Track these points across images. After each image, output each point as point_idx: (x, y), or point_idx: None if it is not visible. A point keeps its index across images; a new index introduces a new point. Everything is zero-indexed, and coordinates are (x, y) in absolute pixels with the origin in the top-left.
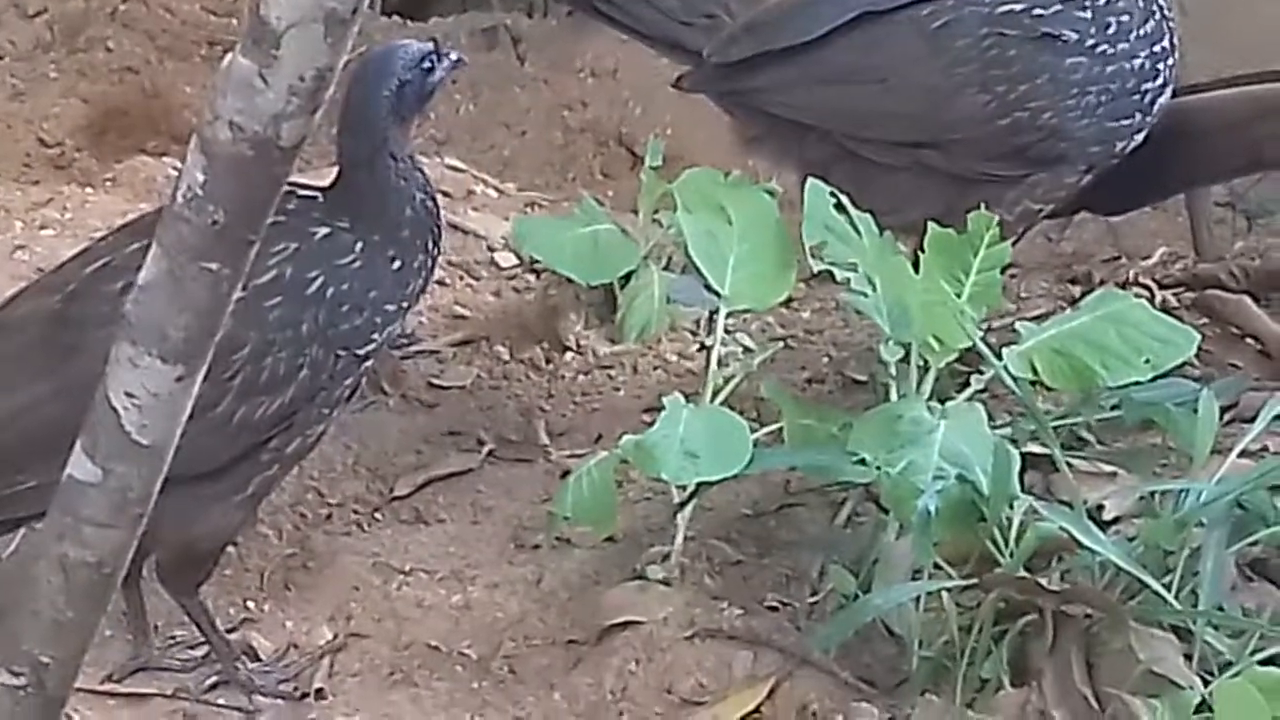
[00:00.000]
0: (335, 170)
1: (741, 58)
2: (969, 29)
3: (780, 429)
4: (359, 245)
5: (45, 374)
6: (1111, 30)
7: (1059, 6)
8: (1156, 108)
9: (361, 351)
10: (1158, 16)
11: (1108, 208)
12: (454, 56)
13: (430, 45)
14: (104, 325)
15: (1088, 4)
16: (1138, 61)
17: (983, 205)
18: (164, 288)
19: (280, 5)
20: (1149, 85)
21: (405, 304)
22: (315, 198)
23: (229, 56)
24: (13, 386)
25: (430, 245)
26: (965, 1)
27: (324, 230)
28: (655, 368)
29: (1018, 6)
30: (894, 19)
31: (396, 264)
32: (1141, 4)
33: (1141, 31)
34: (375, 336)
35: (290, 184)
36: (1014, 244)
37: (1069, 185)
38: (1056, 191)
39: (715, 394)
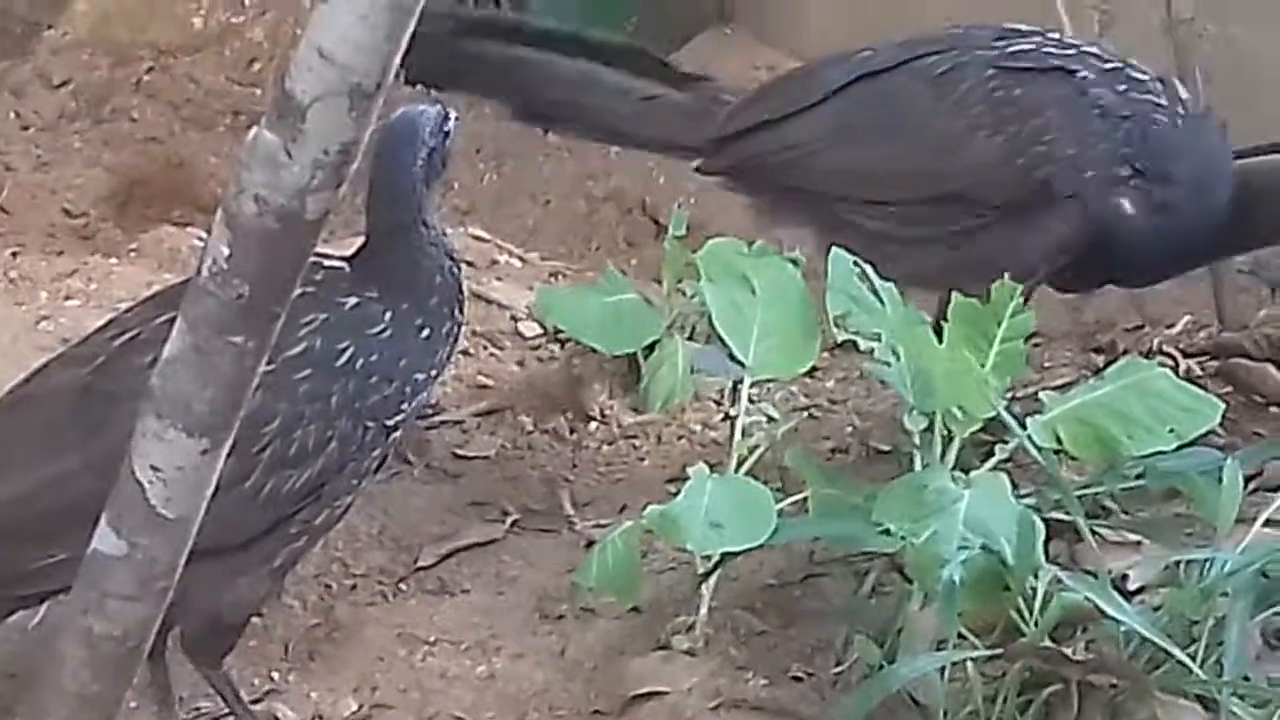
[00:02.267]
0: (361, 240)
1: (744, 127)
2: (973, 72)
3: (804, 499)
4: (388, 314)
5: (74, 448)
6: (1127, 78)
7: (1073, 51)
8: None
9: (390, 422)
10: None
11: (1149, 277)
12: (455, 115)
13: (443, 108)
14: (132, 399)
15: (1105, 54)
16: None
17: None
18: (189, 361)
19: (305, 79)
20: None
21: (434, 372)
22: (342, 268)
23: (254, 130)
24: (42, 460)
25: (456, 312)
26: (969, 47)
27: (353, 300)
28: (679, 437)
29: (1026, 46)
30: (894, 73)
31: (425, 333)
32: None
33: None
34: (404, 406)
35: (317, 254)
36: (1024, 294)
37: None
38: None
39: (740, 464)
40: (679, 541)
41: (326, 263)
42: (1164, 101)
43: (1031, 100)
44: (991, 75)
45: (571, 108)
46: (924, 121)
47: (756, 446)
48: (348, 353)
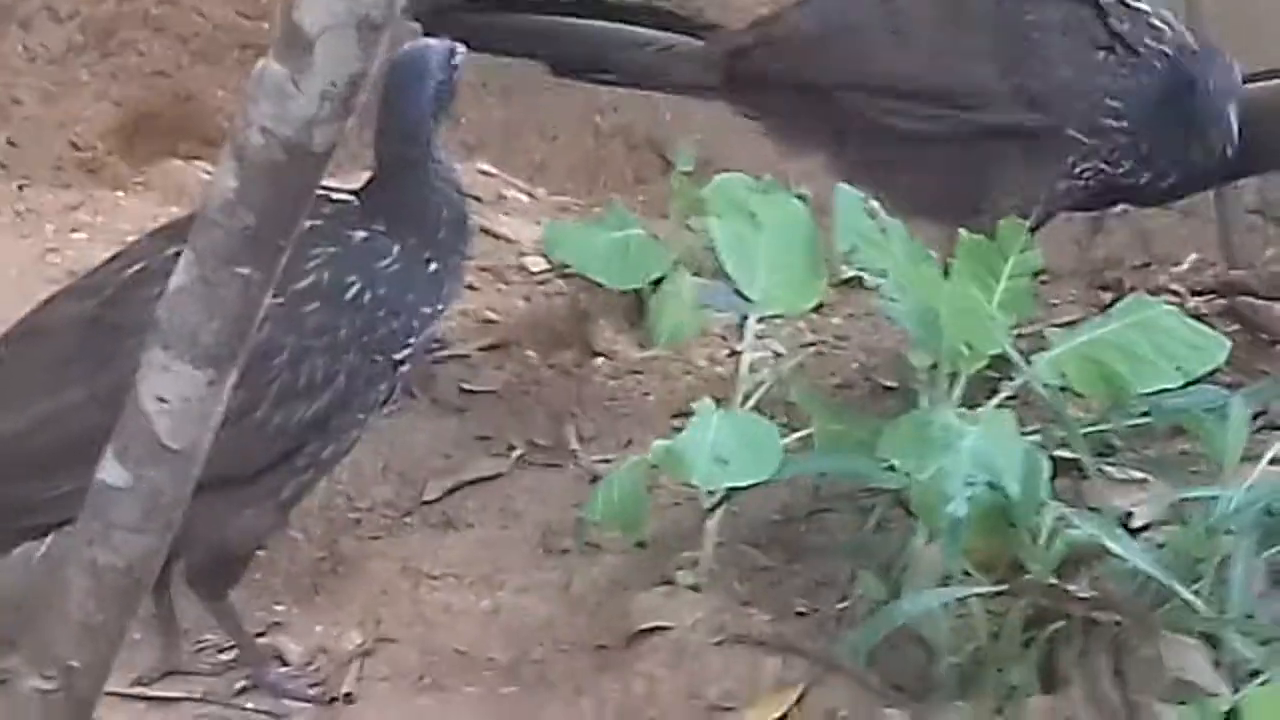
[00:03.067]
0: (369, 174)
1: (752, 41)
2: None
3: (809, 435)
4: (396, 248)
5: (81, 379)
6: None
7: None
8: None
9: (398, 356)
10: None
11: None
12: (462, 50)
13: (450, 42)
14: (140, 331)
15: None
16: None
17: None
18: (195, 293)
19: (313, 11)
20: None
21: (440, 307)
22: (351, 201)
23: (261, 62)
24: (48, 391)
25: (462, 246)
26: None
27: (361, 234)
28: (685, 373)
29: None
30: None
31: (433, 267)
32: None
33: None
34: (412, 341)
35: (325, 188)
36: (1032, 230)
37: (1073, 172)
38: (1061, 177)
39: (745, 400)
40: (685, 477)
41: (335, 196)
42: (1167, 47)
43: (1039, 21)
44: None
45: (597, 63)
46: (927, 27)
47: (762, 382)
48: (355, 286)
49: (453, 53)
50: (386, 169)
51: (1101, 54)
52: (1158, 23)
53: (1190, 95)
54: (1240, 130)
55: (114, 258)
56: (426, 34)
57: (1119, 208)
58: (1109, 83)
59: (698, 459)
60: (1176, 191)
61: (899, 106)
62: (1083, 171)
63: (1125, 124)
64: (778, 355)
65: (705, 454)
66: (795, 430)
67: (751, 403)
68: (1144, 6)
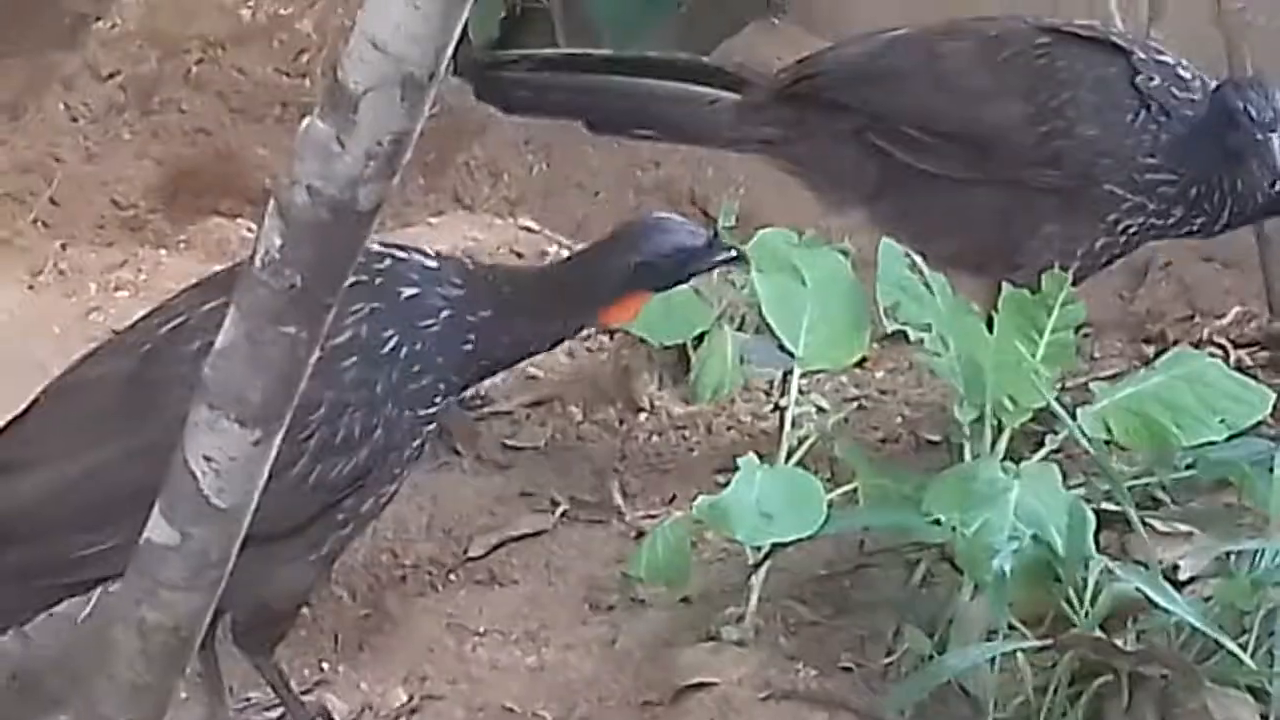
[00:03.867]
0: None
1: (796, 77)
2: (1023, 38)
3: (854, 489)
4: (444, 313)
5: (123, 435)
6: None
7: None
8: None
9: (424, 413)
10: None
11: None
12: (725, 255)
13: (691, 238)
14: (181, 386)
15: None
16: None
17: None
18: (242, 351)
19: (358, 69)
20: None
21: (463, 384)
22: (417, 261)
23: (307, 120)
24: (88, 446)
25: (514, 359)
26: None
27: (410, 291)
28: (729, 428)
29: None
30: (947, 31)
31: (468, 348)
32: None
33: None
34: (437, 400)
35: (395, 245)
36: (1074, 283)
37: (1115, 229)
38: (1100, 234)
39: (790, 455)
40: (729, 532)
41: (399, 255)
42: (1196, 95)
43: (1070, 73)
44: (1042, 43)
45: (639, 119)
46: (963, 71)
47: (806, 437)
48: (393, 340)
49: (686, 249)
50: (547, 282)
51: (1130, 116)
52: (1184, 72)
53: (1232, 129)
54: None
55: (151, 313)
56: (476, 95)
57: (1162, 260)
58: (1145, 141)
59: (742, 515)
60: (1233, 225)
61: (931, 143)
62: (1126, 227)
63: (1169, 176)
64: (821, 410)
65: (749, 510)
66: (839, 485)
67: (796, 458)
68: (1170, 59)
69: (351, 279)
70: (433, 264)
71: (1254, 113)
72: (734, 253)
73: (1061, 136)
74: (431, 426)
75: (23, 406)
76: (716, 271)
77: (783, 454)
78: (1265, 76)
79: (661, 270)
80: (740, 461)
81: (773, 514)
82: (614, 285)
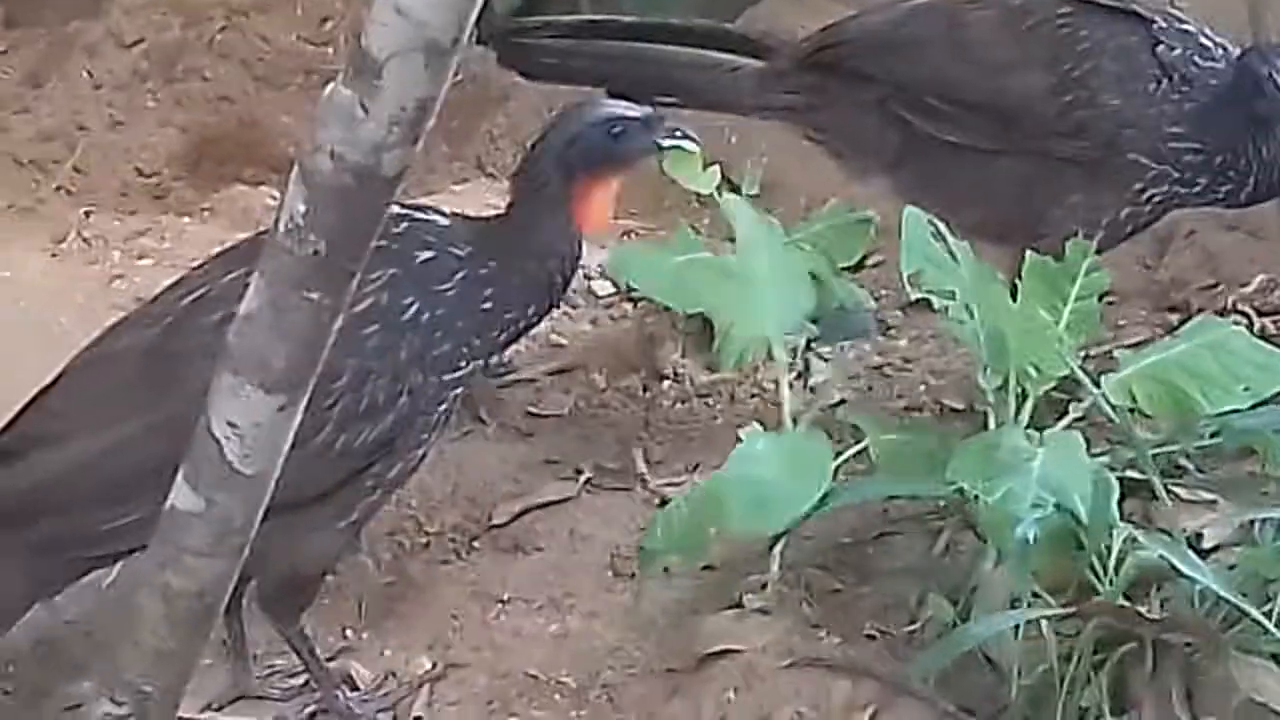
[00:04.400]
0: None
1: (820, 45)
2: (1047, 7)
3: (876, 457)
4: (458, 275)
5: (146, 407)
6: (1208, 48)
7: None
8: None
9: (449, 378)
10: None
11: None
12: (668, 139)
13: (629, 111)
14: (204, 357)
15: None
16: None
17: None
18: (266, 318)
19: (382, 36)
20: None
21: (488, 347)
22: (434, 221)
23: (330, 86)
24: (114, 420)
25: (532, 310)
26: None
27: (427, 254)
28: (753, 395)
29: None
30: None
31: (486, 305)
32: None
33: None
34: (461, 365)
35: (413, 206)
36: (1099, 252)
37: (1139, 199)
38: (1125, 203)
39: (795, 421)
40: (726, 525)
41: (417, 215)
42: (1219, 63)
43: (1093, 43)
44: (1065, 12)
45: (662, 86)
46: (985, 40)
47: (827, 404)
48: (414, 307)
49: (616, 119)
50: (512, 201)
51: (1152, 85)
52: (1207, 41)
53: (1258, 96)
54: None
55: (174, 284)
56: (500, 63)
57: (1186, 228)
58: (1169, 110)
59: (733, 501)
60: (1260, 195)
61: (952, 113)
62: (1151, 196)
63: (1194, 144)
64: (849, 377)
65: (742, 494)
66: (862, 452)
67: (804, 423)
68: (1192, 28)
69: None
70: (445, 223)
71: (1279, 80)
72: (678, 133)
73: (1084, 106)
74: (458, 391)
75: (48, 380)
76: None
77: (786, 420)
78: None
79: (595, 144)
80: (743, 434)
81: (767, 497)
82: (559, 168)
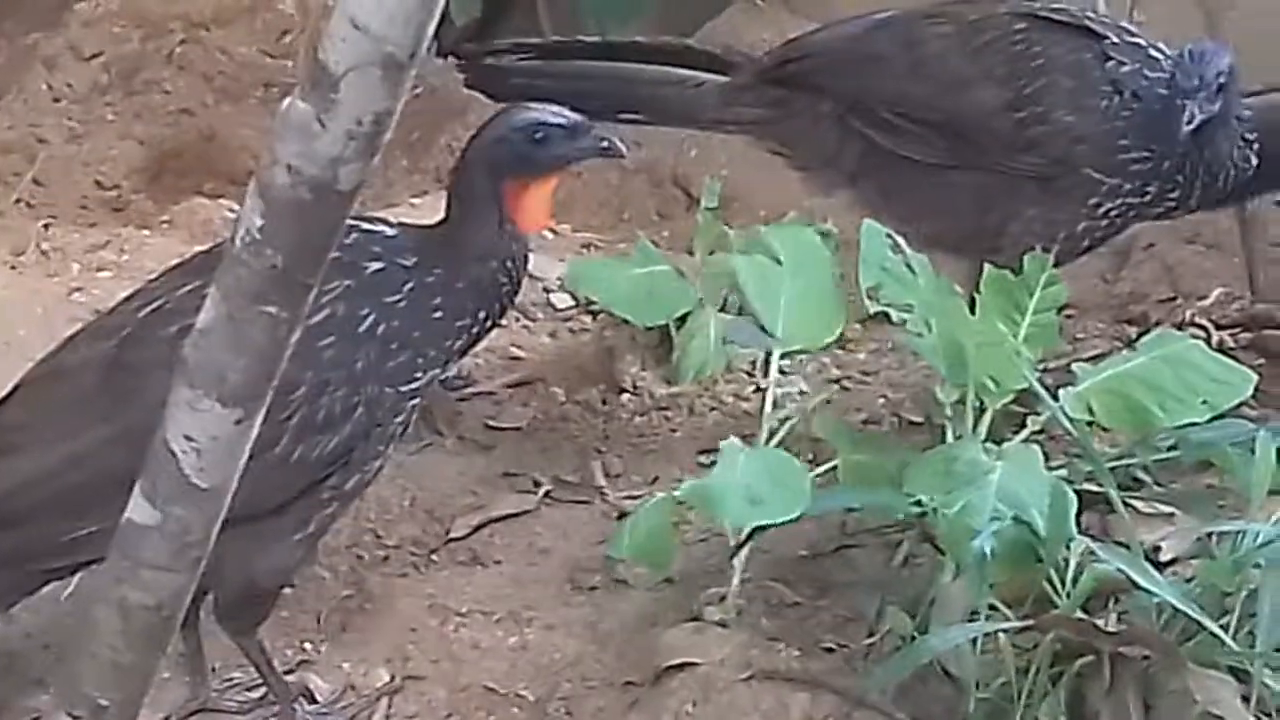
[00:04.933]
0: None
1: (781, 59)
2: (1002, 23)
3: (835, 470)
4: (407, 285)
5: (103, 420)
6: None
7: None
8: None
9: (405, 389)
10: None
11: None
12: (594, 144)
13: (553, 117)
14: (160, 369)
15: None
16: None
17: (1005, 226)
18: (223, 331)
19: (338, 50)
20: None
21: (443, 356)
22: (380, 232)
23: (287, 100)
24: (70, 433)
25: (483, 314)
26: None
27: (376, 265)
28: (712, 409)
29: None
30: (930, 14)
31: (438, 314)
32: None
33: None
34: (418, 376)
35: (360, 218)
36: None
37: (1095, 213)
38: (1082, 218)
39: (771, 436)
40: (716, 514)
41: (365, 227)
42: (1167, 73)
43: (1047, 59)
44: (1020, 29)
45: (627, 103)
46: (941, 56)
47: (788, 418)
48: (370, 318)
49: (539, 124)
50: (449, 208)
51: (1104, 101)
52: (1156, 54)
53: (1191, 98)
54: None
55: (131, 296)
56: (466, 86)
57: (1144, 241)
58: (1119, 125)
59: (728, 497)
60: (1209, 199)
61: (909, 129)
62: (1107, 210)
63: (1142, 154)
64: (803, 392)
65: (735, 492)
66: (821, 465)
67: (777, 439)
68: (1142, 41)
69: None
70: (391, 233)
71: (1180, 79)
72: (604, 143)
73: (1038, 123)
74: (415, 402)
75: (4, 392)
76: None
77: (764, 436)
78: (1211, 46)
79: (518, 149)
80: (723, 445)
81: (758, 496)
82: (486, 171)
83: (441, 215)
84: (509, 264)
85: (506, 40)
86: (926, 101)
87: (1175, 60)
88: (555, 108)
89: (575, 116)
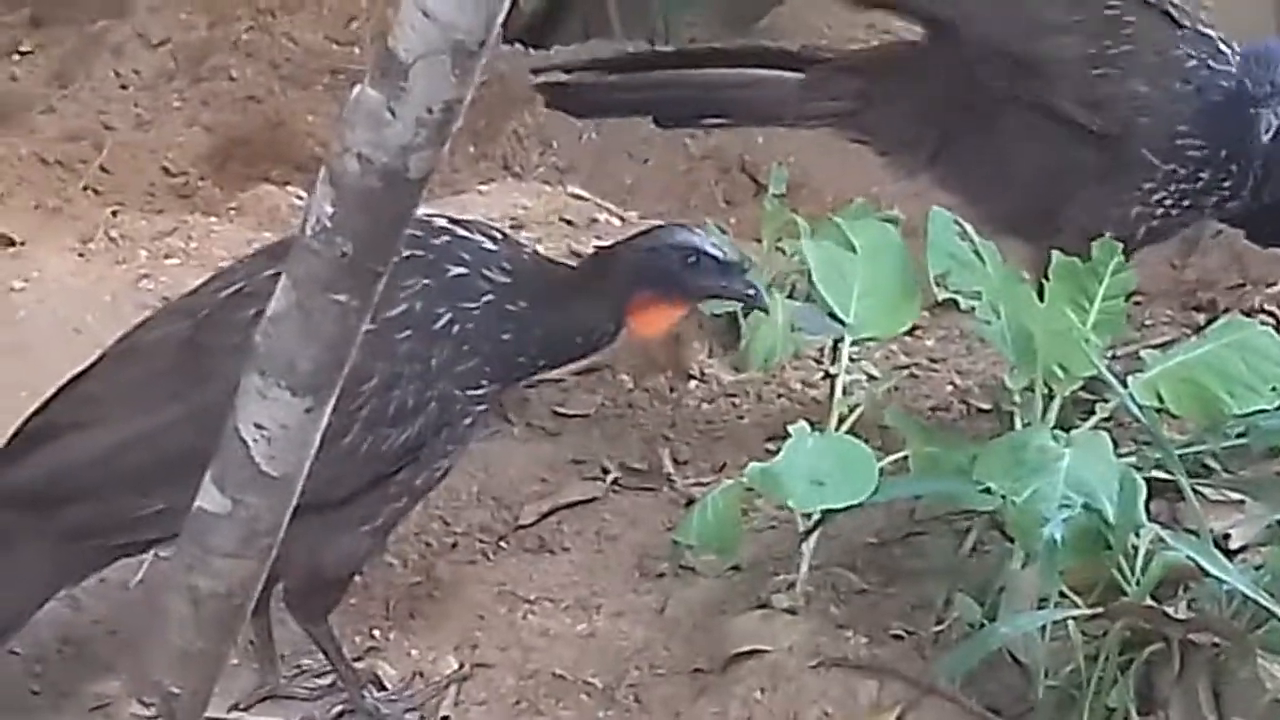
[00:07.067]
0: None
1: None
2: None
3: (904, 457)
4: (486, 297)
5: (176, 399)
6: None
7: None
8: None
9: (473, 394)
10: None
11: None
12: (742, 288)
13: (712, 248)
14: (235, 352)
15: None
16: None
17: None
18: (293, 320)
19: (408, 38)
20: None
21: (505, 375)
22: (476, 241)
23: (357, 88)
24: (144, 410)
25: (543, 363)
26: None
27: (458, 270)
28: (779, 396)
29: None
30: None
31: (505, 337)
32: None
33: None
34: (484, 384)
35: (466, 224)
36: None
37: (1149, 200)
38: (1135, 201)
39: (840, 422)
40: (782, 499)
41: (460, 232)
42: (1234, 67)
43: (1136, 30)
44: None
45: (707, 108)
46: (1044, 3)
47: (857, 405)
48: (446, 317)
49: (692, 249)
50: (578, 282)
51: (1176, 84)
52: (1223, 48)
53: (1252, 98)
54: None
55: (212, 278)
56: (547, 105)
57: (1213, 230)
58: (1183, 111)
59: (795, 481)
60: (1263, 195)
61: (1001, 65)
62: (1161, 199)
63: (1197, 143)
64: (872, 378)
65: (802, 476)
66: (890, 453)
67: (846, 425)
68: (1212, 33)
69: (408, 252)
70: (491, 246)
71: (1250, 86)
72: (752, 291)
73: (1111, 84)
74: (483, 409)
75: (83, 367)
76: (767, 239)
77: (833, 421)
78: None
79: (673, 266)
80: (792, 429)
81: (825, 481)
82: (627, 277)
83: (568, 261)
84: (594, 339)
85: (582, 60)
86: (1011, 38)
87: (1243, 59)
88: (717, 237)
89: (733, 254)
